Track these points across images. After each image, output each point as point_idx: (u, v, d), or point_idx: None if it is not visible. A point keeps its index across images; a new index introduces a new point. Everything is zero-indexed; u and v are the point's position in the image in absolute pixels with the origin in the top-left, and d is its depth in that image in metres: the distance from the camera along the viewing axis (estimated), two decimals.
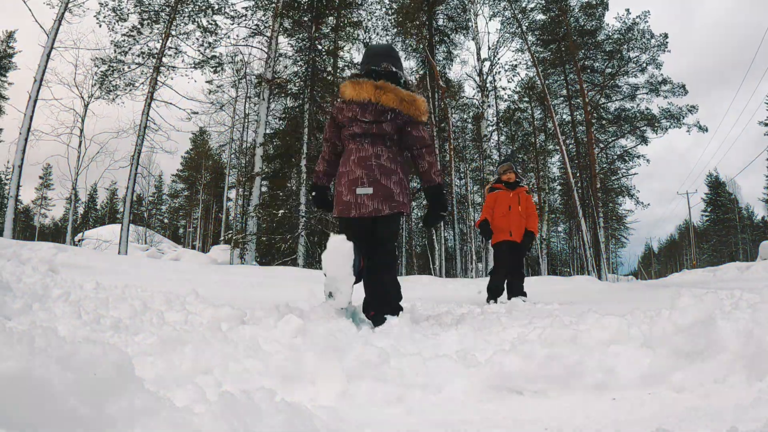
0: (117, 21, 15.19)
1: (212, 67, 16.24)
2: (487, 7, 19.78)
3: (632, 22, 20.44)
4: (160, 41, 15.46)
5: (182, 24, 15.89)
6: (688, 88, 20.38)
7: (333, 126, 2.86)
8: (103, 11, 15.05)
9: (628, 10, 20.49)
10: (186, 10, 15.72)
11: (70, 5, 13.88)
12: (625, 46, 20.69)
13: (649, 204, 22.73)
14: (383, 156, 2.68)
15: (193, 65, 15.87)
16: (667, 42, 20.19)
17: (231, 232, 16.57)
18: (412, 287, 8.29)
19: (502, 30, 20.05)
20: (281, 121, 17.19)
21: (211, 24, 15.94)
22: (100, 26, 15.10)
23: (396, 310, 2.69)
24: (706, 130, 20.15)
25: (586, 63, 21.40)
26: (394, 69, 2.80)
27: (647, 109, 20.75)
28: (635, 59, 20.70)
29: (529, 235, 5.48)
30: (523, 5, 20.07)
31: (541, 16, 21.33)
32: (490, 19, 20.13)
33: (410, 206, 2.85)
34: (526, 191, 5.58)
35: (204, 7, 15.76)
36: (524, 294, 5.20)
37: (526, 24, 20.35)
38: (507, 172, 5.60)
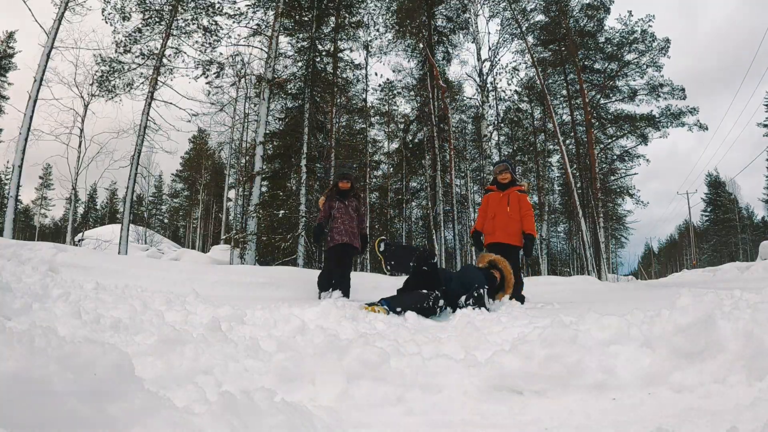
0: (120, 20, 15.20)
1: (214, 73, 16.25)
2: (487, 7, 19.78)
3: (634, 24, 20.38)
4: (161, 41, 15.46)
5: (183, 24, 15.89)
6: (688, 89, 20.34)
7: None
8: (108, 9, 15.07)
9: (630, 12, 20.43)
10: (188, 8, 15.73)
11: (70, 4, 13.88)
12: (626, 49, 20.65)
13: (648, 203, 22.65)
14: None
15: (194, 69, 15.86)
16: (668, 46, 20.11)
17: (233, 232, 16.56)
18: None
19: (502, 31, 20.04)
20: (281, 121, 17.19)
21: (212, 24, 15.93)
22: (107, 23, 15.09)
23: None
24: (707, 129, 20.11)
25: (586, 63, 21.38)
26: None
27: (648, 112, 20.74)
28: (635, 61, 20.67)
29: (529, 238, 5.35)
30: (523, 6, 20.06)
31: (541, 17, 21.31)
32: (489, 20, 20.13)
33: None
34: (518, 191, 5.48)
35: (205, 6, 15.76)
36: (521, 299, 5.04)
37: (526, 25, 20.34)
38: (502, 173, 5.56)
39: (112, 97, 15.71)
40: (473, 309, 3.68)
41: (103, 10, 14.96)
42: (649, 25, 20.23)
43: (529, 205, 5.48)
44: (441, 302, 3.79)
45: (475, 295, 3.93)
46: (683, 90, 20.23)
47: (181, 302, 3.15)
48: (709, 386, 0.94)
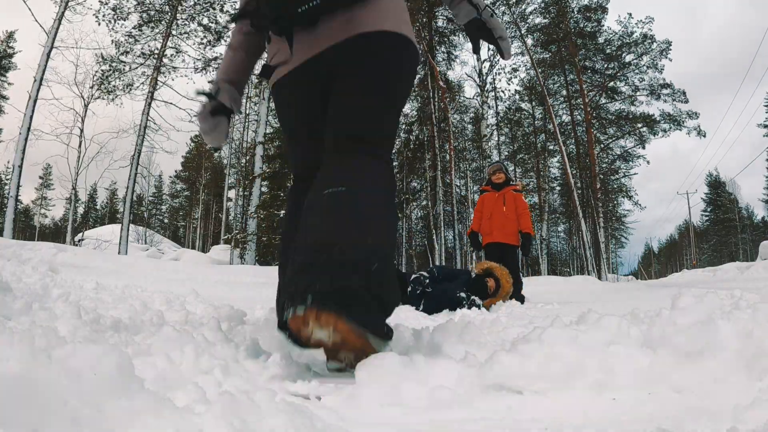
0: (117, 20, 15.19)
1: (214, 69, 16.24)
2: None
3: (634, 26, 20.34)
4: (161, 41, 15.46)
5: (183, 23, 15.88)
6: (688, 89, 20.44)
7: None
8: (103, 10, 15.06)
9: (630, 14, 20.41)
10: (187, 8, 15.72)
11: (70, 4, 13.88)
12: (626, 50, 20.65)
13: (645, 207, 22.79)
14: None
15: (194, 68, 15.86)
16: (669, 48, 20.07)
17: (235, 232, 16.56)
18: None
19: None
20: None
21: (212, 22, 15.93)
22: (99, 25, 15.11)
23: None
24: (705, 135, 20.19)
25: (586, 64, 21.38)
26: None
27: (648, 113, 20.73)
28: (635, 62, 20.66)
29: (526, 237, 5.41)
30: (523, 8, 20.05)
31: (540, 19, 21.31)
32: None
33: None
34: (514, 190, 5.53)
35: (205, 5, 15.76)
36: (521, 299, 5.06)
37: (525, 27, 20.34)
38: (496, 173, 5.64)
39: (113, 99, 15.73)
40: (473, 309, 3.74)
41: (98, 11, 14.95)
42: (649, 28, 20.23)
43: (525, 204, 5.54)
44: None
45: (471, 299, 4.07)
46: (684, 93, 20.26)
47: (181, 302, 3.15)
48: (709, 386, 0.94)
